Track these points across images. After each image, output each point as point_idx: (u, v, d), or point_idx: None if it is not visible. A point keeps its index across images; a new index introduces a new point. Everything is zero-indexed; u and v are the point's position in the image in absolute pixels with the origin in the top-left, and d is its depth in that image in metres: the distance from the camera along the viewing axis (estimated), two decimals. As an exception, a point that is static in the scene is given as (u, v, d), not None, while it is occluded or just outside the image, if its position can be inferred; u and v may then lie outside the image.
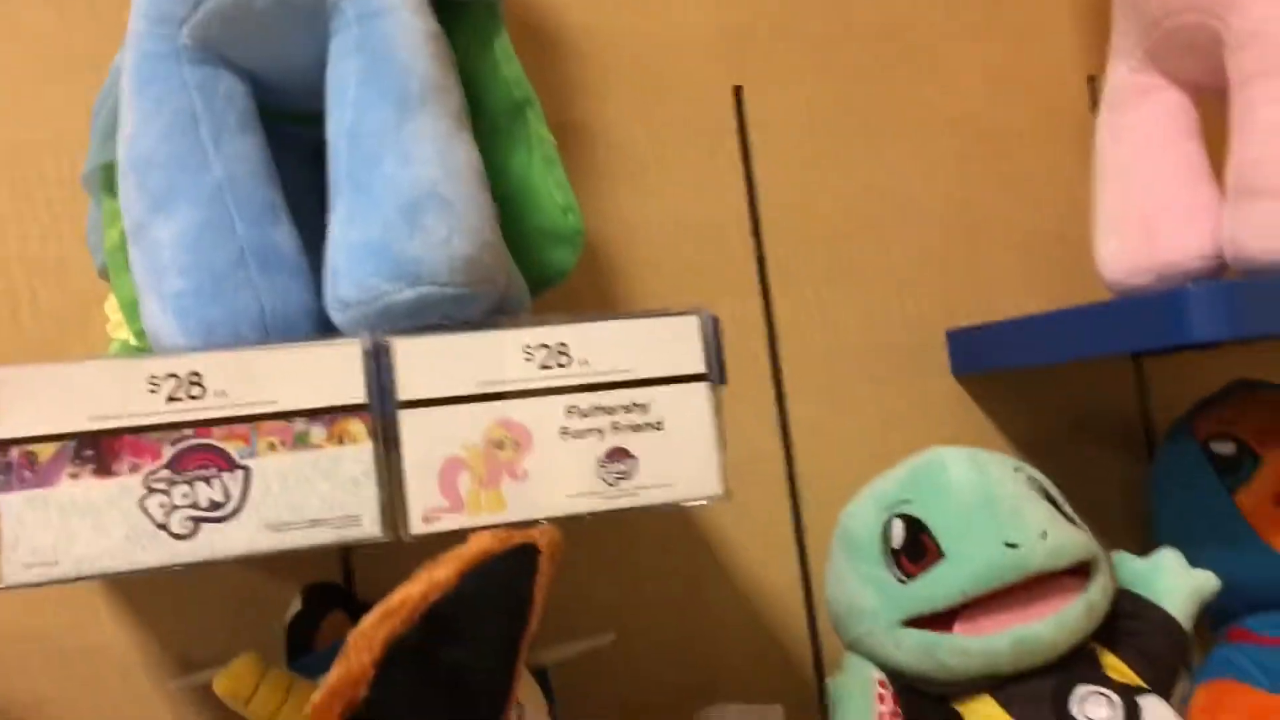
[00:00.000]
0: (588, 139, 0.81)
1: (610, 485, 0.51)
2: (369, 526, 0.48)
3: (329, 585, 0.69)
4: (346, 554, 0.73)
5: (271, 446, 0.47)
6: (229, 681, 0.54)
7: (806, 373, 0.85)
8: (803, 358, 0.85)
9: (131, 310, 0.58)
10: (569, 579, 0.64)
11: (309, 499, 0.47)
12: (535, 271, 0.65)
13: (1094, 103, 0.92)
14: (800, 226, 0.86)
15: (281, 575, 0.70)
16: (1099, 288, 0.80)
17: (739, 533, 0.82)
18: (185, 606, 0.70)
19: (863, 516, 0.73)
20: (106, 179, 0.60)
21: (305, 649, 0.65)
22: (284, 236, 0.54)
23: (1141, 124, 0.77)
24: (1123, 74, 0.78)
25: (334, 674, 0.42)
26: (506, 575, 0.47)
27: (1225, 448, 0.80)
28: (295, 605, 0.67)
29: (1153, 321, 0.68)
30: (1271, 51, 0.68)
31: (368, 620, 0.44)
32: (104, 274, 0.64)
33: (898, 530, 0.70)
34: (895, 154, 0.89)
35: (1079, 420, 0.91)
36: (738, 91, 0.85)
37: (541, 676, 0.66)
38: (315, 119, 0.58)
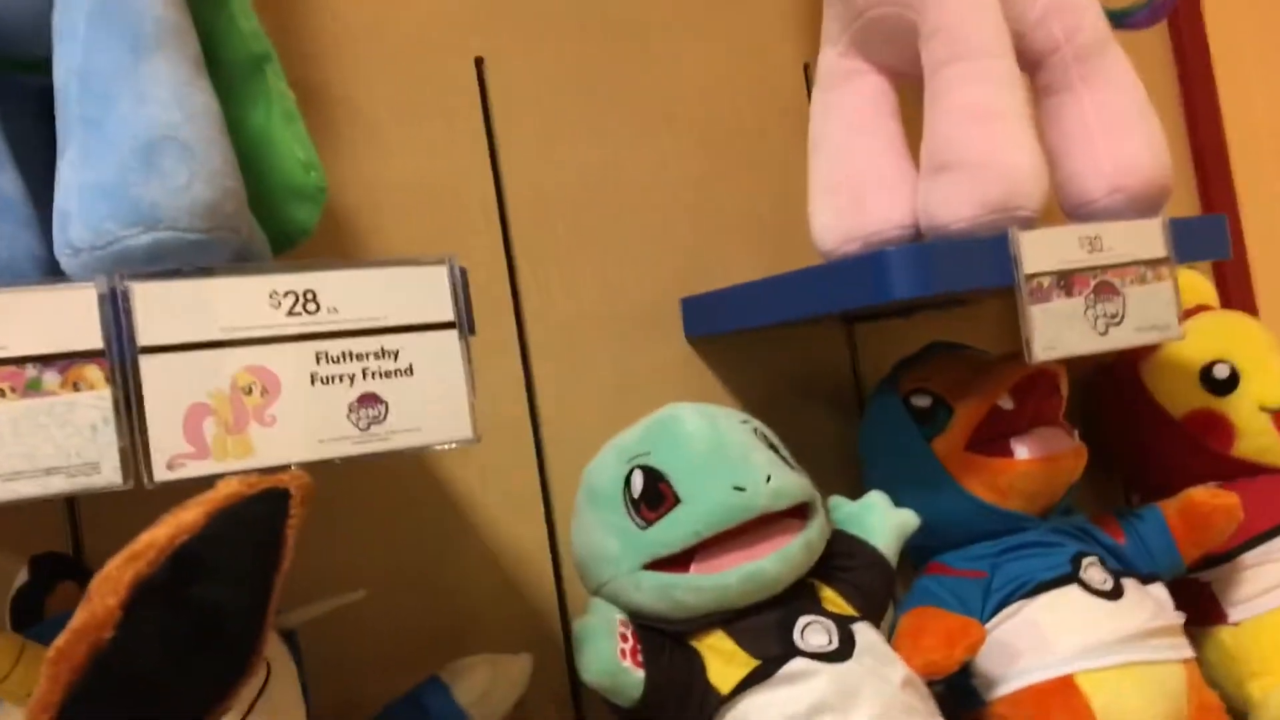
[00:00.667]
0: (328, 101, 0.80)
1: (361, 430, 0.52)
2: (109, 474, 0.47)
3: (57, 555, 0.66)
4: (75, 525, 0.69)
5: (1, 393, 0.45)
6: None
7: (549, 338, 0.88)
8: (545, 323, 0.88)
9: None
10: (317, 536, 0.64)
11: (43, 447, 0.46)
12: (276, 229, 0.64)
13: (809, 88, 1.00)
14: (541, 197, 0.89)
15: (5, 547, 0.67)
16: (815, 258, 0.87)
17: (487, 492, 0.84)
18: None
19: (605, 470, 0.76)
20: None
21: (32, 622, 0.62)
22: (8, 182, 0.52)
23: (848, 104, 0.84)
24: (831, 57, 0.85)
25: (77, 617, 0.41)
26: (257, 518, 0.47)
27: (923, 401, 0.88)
28: (22, 576, 0.63)
29: (859, 282, 0.75)
30: (959, 41, 0.76)
31: (112, 563, 0.43)
32: None
33: (637, 480, 0.74)
34: (629, 132, 0.93)
35: (798, 380, 0.99)
36: (479, 62, 0.87)
37: (290, 638, 0.66)
38: (39, 66, 0.56)
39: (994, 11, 0.77)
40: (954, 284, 0.73)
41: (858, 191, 0.83)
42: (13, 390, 0.45)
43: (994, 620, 0.81)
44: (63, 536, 0.69)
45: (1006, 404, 0.85)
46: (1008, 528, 0.85)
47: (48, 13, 0.53)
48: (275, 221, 0.64)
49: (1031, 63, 0.87)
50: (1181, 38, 1.27)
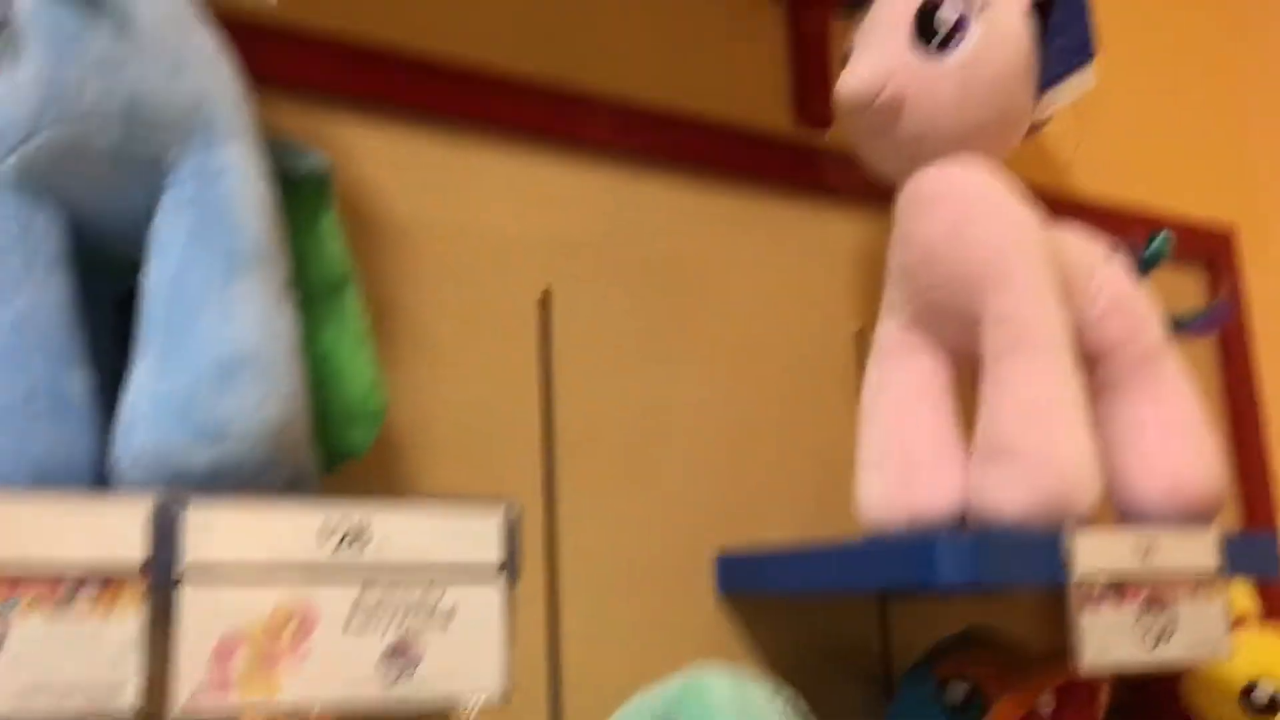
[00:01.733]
0: (393, 316, 0.81)
1: (391, 678, 0.50)
2: (127, 701, 0.44)
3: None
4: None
5: (33, 605, 0.44)
6: None
7: (580, 580, 0.85)
8: (578, 564, 0.86)
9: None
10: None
11: (65, 665, 0.44)
12: (330, 447, 0.64)
13: (860, 354, 1.01)
14: (589, 432, 0.88)
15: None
16: (854, 519, 0.85)
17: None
18: None
19: (627, 729, 0.73)
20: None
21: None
22: (78, 383, 0.52)
23: (904, 380, 0.85)
24: (891, 330, 0.86)
25: None
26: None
27: (958, 690, 0.85)
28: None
29: (905, 564, 0.74)
30: (1022, 331, 0.77)
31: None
32: None
33: (659, 746, 0.70)
34: (681, 374, 0.94)
35: (829, 651, 0.95)
36: (545, 295, 0.88)
37: None
38: (125, 270, 0.57)
39: (1057, 307, 0.78)
40: (1003, 576, 0.71)
41: (907, 468, 0.82)
42: (45, 604, 0.44)
43: None
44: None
45: (1046, 705, 0.81)
46: (1040, 840, 0.80)
47: (147, 221, 0.55)
48: (331, 439, 0.64)
49: (1090, 358, 0.87)
50: (1229, 348, 1.29)
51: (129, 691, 0.44)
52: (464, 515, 0.53)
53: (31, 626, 0.43)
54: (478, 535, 0.53)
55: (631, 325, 0.92)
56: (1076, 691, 0.81)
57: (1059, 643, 0.72)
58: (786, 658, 0.93)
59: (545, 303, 0.88)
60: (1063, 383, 0.77)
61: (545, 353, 0.88)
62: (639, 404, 0.91)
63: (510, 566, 0.54)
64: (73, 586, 0.44)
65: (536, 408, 0.87)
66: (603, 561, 0.87)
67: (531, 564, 0.84)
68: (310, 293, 0.64)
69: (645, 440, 0.91)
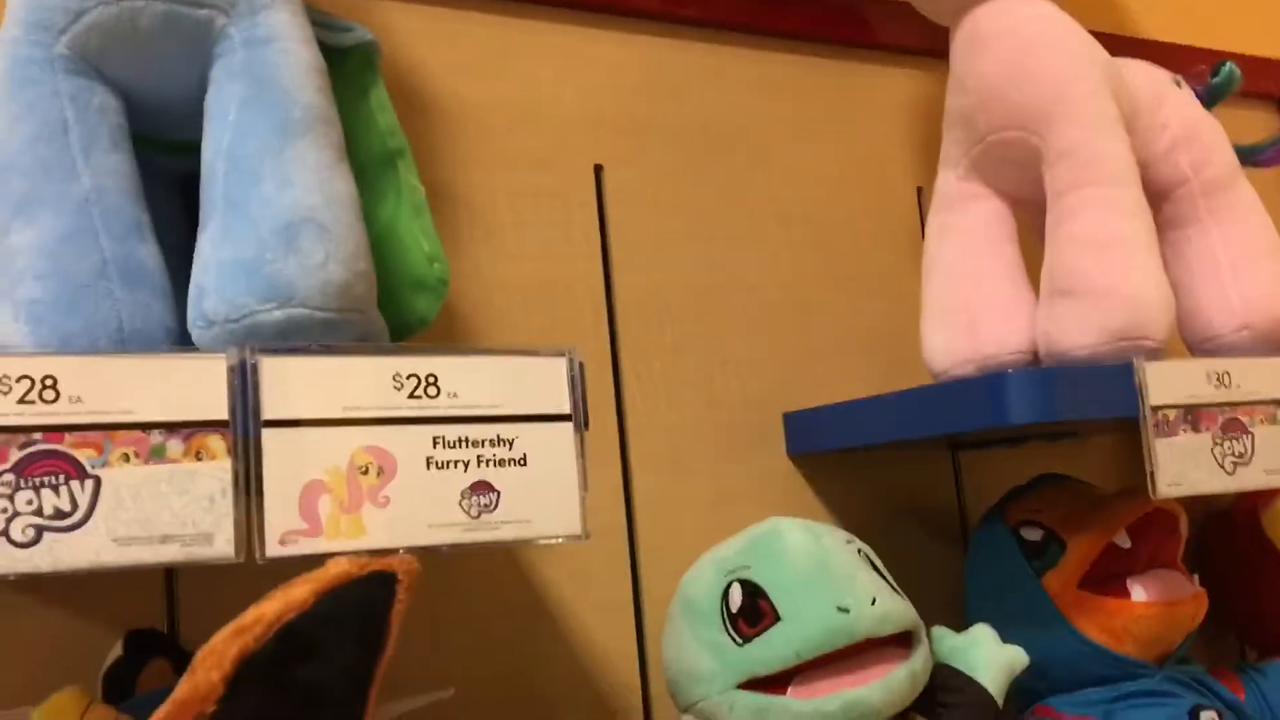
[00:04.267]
0: (450, 199, 0.82)
1: (472, 518, 0.51)
2: (222, 546, 0.46)
3: (152, 631, 0.66)
4: (171, 603, 0.69)
5: (125, 458, 0.46)
6: (50, 715, 0.51)
7: (650, 445, 0.87)
8: (647, 430, 0.87)
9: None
10: (411, 629, 0.63)
11: (160, 514, 0.46)
12: (397, 318, 0.65)
13: (922, 211, 1.00)
14: (650, 304, 0.89)
15: (101, 621, 0.67)
16: (925, 377, 0.85)
17: (580, 599, 0.82)
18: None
19: (702, 582, 0.74)
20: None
21: (123, 697, 0.61)
22: (149, 254, 0.53)
23: (966, 227, 0.84)
24: (950, 181, 0.85)
25: (181, 689, 0.41)
26: (364, 600, 0.46)
27: (1033, 534, 0.85)
28: (116, 651, 0.63)
29: (975, 405, 0.73)
30: (1085, 166, 0.75)
31: (219, 636, 0.43)
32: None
33: (736, 595, 0.72)
34: (740, 241, 0.93)
35: (901, 505, 0.96)
36: (598, 170, 0.88)
37: (377, 732, 0.64)
38: (185, 149, 0.58)
39: (1122, 140, 0.76)
40: (1075, 412, 0.71)
41: (973, 315, 0.82)
42: (137, 455, 0.46)
43: (1105, 771, 0.77)
44: (158, 613, 0.69)
45: (1124, 542, 0.81)
46: (1121, 673, 0.81)
47: (200, 97, 0.56)
48: (396, 310, 0.65)
49: (1158, 194, 0.85)
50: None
51: (223, 536, 0.46)
52: (531, 363, 0.54)
53: (126, 476, 0.45)
54: (544, 382, 0.54)
55: (687, 196, 0.92)
56: (1154, 524, 0.80)
57: (1131, 483, 0.72)
58: (860, 512, 0.93)
59: (599, 177, 0.88)
60: (1130, 215, 0.75)
61: (602, 227, 0.88)
62: (698, 274, 0.91)
63: (577, 412, 0.55)
64: (162, 439, 0.46)
65: (598, 281, 0.87)
66: (671, 428, 0.88)
67: (603, 431, 0.85)
68: (364, 166, 0.65)
69: (707, 310, 0.91)
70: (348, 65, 0.66)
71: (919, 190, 1.02)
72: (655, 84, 0.92)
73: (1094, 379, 0.71)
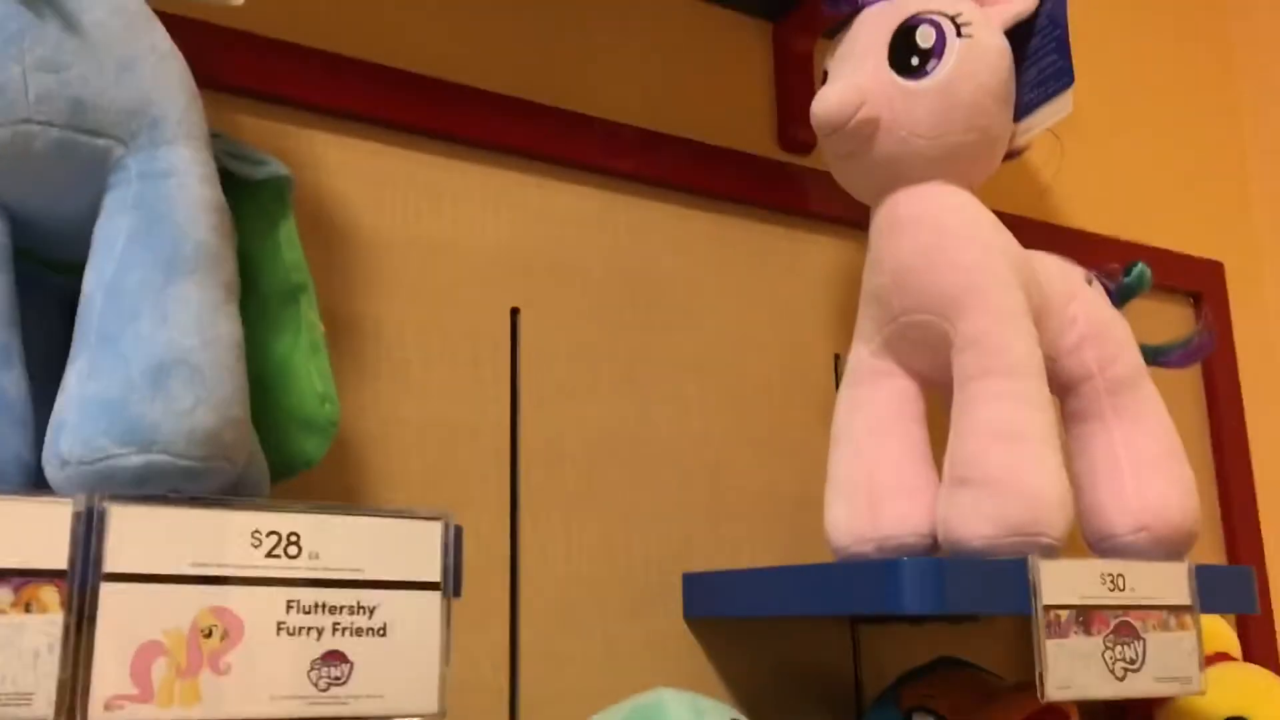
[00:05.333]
0: (358, 333, 0.81)
1: (320, 691, 0.48)
2: (41, 707, 0.43)
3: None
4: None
5: (-52, 605, 0.43)
6: None
7: (543, 599, 0.84)
8: (541, 584, 0.84)
9: None
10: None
11: (-22, 669, 0.43)
12: (282, 457, 0.63)
13: (838, 378, 1.00)
14: (555, 451, 0.87)
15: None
16: (828, 553, 0.84)
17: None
18: None
19: (578, 753, 0.71)
20: None
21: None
22: (11, 381, 0.51)
23: (875, 403, 0.83)
24: (863, 355, 0.85)
25: None
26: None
27: None
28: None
29: (871, 589, 0.72)
30: (991, 356, 0.76)
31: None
32: None
33: (612, 771, 0.69)
34: (653, 393, 0.93)
35: (796, 676, 0.94)
36: (514, 313, 0.88)
37: None
38: (74, 269, 0.56)
39: (1029, 333, 0.77)
40: (968, 605, 0.70)
41: (875, 493, 0.81)
42: (-37, 605, 0.43)
43: None
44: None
45: (1013, 738, 0.79)
46: None
47: (91, 222, 0.54)
48: (283, 449, 0.63)
49: (1064, 387, 0.86)
50: (1214, 383, 1.27)
51: (43, 698, 0.43)
52: (402, 526, 0.52)
53: (-56, 629, 0.42)
54: (416, 548, 0.52)
55: (604, 345, 0.91)
56: (1045, 722, 0.79)
57: (1031, 674, 0.70)
58: (755, 682, 0.91)
59: (514, 320, 0.88)
60: (1033, 408, 0.75)
61: (513, 370, 0.87)
62: (609, 424, 0.90)
63: (448, 579, 0.53)
64: (-12, 588, 0.43)
65: (503, 426, 0.86)
66: (567, 582, 0.86)
67: (495, 582, 0.83)
68: (266, 298, 0.63)
69: (615, 461, 0.90)
70: (261, 197, 0.65)
71: (836, 357, 1.02)
72: (581, 231, 0.92)
73: (988, 573, 0.71)
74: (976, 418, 0.76)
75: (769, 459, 0.97)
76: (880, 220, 0.83)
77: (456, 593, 0.54)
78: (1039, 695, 0.69)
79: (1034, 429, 0.75)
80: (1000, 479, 0.73)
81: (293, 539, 0.49)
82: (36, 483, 0.50)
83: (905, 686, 0.87)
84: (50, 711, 0.44)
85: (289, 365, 0.64)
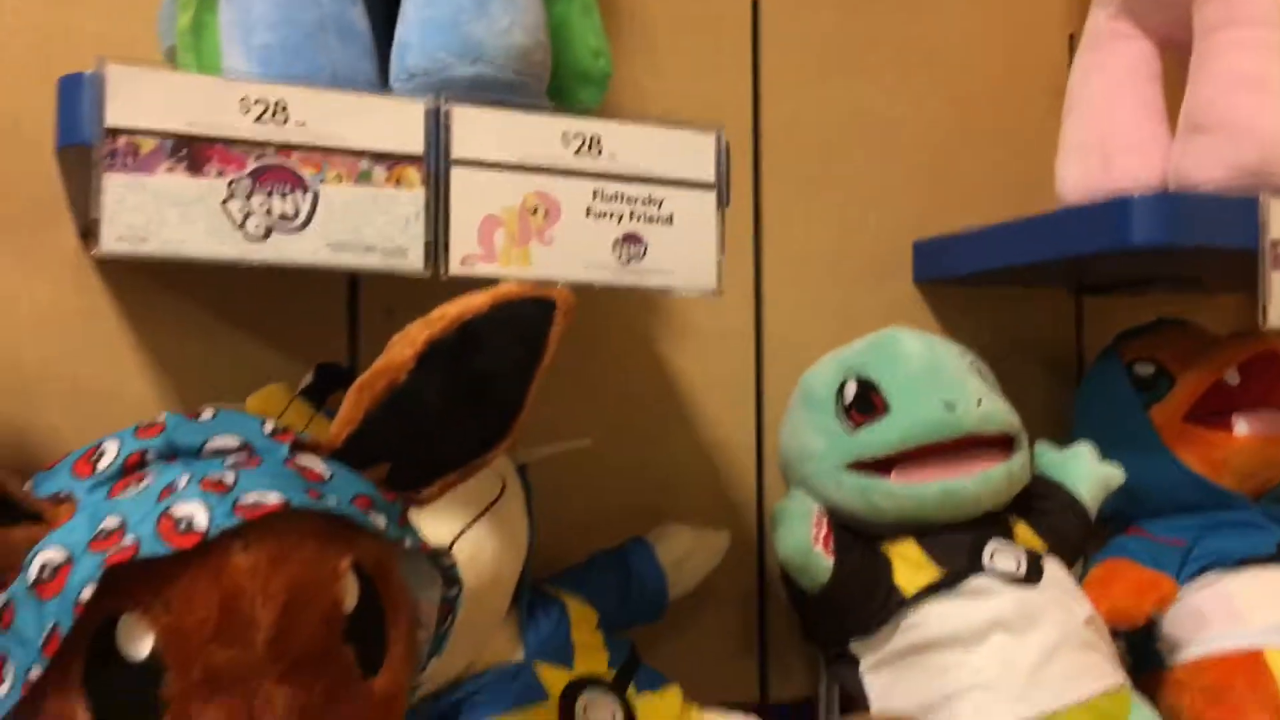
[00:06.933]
0: (613, 10, 0.88)
1: (622, 264, 0.59)
2: (414, 260, 0.55)
3: (338, 366, 0.76)
4: (354, 344, 0.79)
5: (339, 177, 0.54)
6: (260, 401, 0.61)
7: (782, 269, 0.92)
8: (781, 254, 0.92)
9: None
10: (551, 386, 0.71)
11: (365, 228, 0.54)
12: (563, 104, 0.72)
13: (1072, 57, 1.01)
14: (795, 129, 0.93)
15: (295, 355, 0.77)
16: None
17: (707, 387, 0.90)
18: (202, 369, 0.76)
19: (822, 375, 0.81)
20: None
21: (312, 416, 0.72)
22: (359, 16, 0.61)
23: (1111, 65, 0.85)
24: (1101, 19, 0.86)
25: (380, 360, 0.49)
26: (529, 315, 0.54)
27: (1145, 369, 0.88)
28: (307, 378, 0.73)
29: (1099, 228, 0.77)
30: (1235, 7, 0.77)
31: (411, 326, 0.51)
32: (171, 56, 0.70)
33: (851, 387, 0.78)
34: (888, 76, 0.97)
35: (1021, 341, 1.00)
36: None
37: (522, 472, 0.73)
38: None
39: (1274, -21, 0.77)
40: (1195, 237, 0.73)
41: (1108, 151, 0.84)
42: (348, 177, 0.54)
43: (1187, 587, 0.81)
44: (341, 355, 0.79)
45: (1232, 379, 0.84)
46: (1216, 503, 0.85)
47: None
48: (562, 99, 0.72)
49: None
50: None
51: (415, 253, 0.55)
52: (684, 136, 0.61)
53: (338, 194, 0.54)
54: (694, 153, 0.61)
55: (839, 31, 0.95)
56: (1264, 364, 0.83)
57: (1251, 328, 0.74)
58: (979, 343, 0.96)
59: (756, 6, 0.93)
60: (1271, 57, 0.76)
61: (755, 52, 0.93)
62: (845, 102, 0.95)
63: (721, 184, 0.61)
64: (369, 165, 0.54)
65: (746, 105, 0.92)
66: (805, 252, 0.93)
67: (738, 254, 0.91)
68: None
69: (851, 138, 0.95)
70: None
71: (1070, 37, 1.03)
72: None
73: (1216, 207, 0.74)
74: (1216, 66, 0.77)
75: (998, 139, 1.00)
76: (1125, -125, 0.83)
77: (726, 201, 0.63)
78: (1260, 323, 0.74)
79: (1274, 76, 0.76)
80: (1236, 123, 0.76)
81: (595, 140, 0.59)
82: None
83: (1127, 341, 0.92)
84: (420, 264, 0.55)
85: (566, 22, 0.72)
